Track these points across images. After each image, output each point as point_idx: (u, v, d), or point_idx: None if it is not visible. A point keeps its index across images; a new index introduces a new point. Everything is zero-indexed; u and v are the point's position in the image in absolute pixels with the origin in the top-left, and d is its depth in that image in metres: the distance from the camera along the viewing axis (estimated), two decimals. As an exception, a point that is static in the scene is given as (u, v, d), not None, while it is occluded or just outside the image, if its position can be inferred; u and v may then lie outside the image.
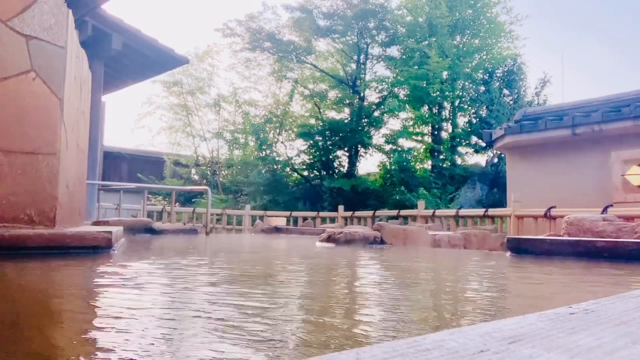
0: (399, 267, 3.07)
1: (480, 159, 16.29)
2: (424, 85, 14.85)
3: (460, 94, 16.24)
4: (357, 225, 8.91)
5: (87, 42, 6.78)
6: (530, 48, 44.34)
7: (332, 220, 10.27)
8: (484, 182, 14.21)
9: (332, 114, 17.38)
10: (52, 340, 0.97)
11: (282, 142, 17.01)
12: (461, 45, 16.32)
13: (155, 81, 16.41)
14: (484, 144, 14.66)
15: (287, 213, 11.19)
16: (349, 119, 16.50)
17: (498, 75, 16.05)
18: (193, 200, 15.17)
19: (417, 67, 14.82)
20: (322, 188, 15.71)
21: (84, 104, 4.70)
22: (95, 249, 2.93)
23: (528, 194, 7.76)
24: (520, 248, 3.65)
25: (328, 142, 16.33)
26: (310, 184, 16.51)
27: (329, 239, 5.21)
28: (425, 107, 16.28)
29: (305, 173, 16.89)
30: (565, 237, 3.83)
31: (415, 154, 16.38)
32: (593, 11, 45.86)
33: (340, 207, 10.53)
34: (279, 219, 9.80)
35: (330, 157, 16.41)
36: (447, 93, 15.64)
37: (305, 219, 10.93)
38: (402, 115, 16.59)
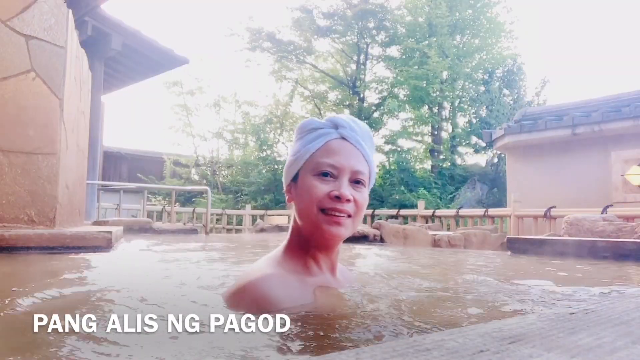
0: (398, 264, 3.07)
1: (480, 159, 16.31)
2: (424, 85, 14.85)
3: (460, 94, 16.24)
4: (357, 225, 8.90)
5: (87, 42, 6.78)
6: (530, 48, 44.41)
7: (332, 220, 10.26)
8: (484, 182, 14.21)
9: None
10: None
11: (282, 143, 17.02)
12: (461, 45, 16.32)
13: (155, 81, 16.43)
14: (484, 144, 14.67)
15: (289, 212, 11.19)
16: (349, 119, 16.47)
17: (498, 75, 16.05)
18: (193, 200, 15.17)
19: (417, 67, 14.82)
20: (322, 188, 15.67)
21: (84, 104, 4.70)
22: (95, 249, 2.93)
23: (528, 194, 7.76)
24: (520, 248, 3.65)
25: (328, 142, 16.32)
26: (311, 184, 16.49)
27: (329, 239, 5.21)
28: (425, 107, 16.28)
29: (306, 173, 16.87)
30: (565, 237, 3.83)
31: (415, 154, 16.38)
32: (593, 11, 45.87)
33: (340, 207, 10.52)
34: (280, 218, 9.80)
35: (330, 157, 16.38)
36: (447, 93, 15.64)
37: (305, 219, 10.91)
38: (402, 115, 16.59)
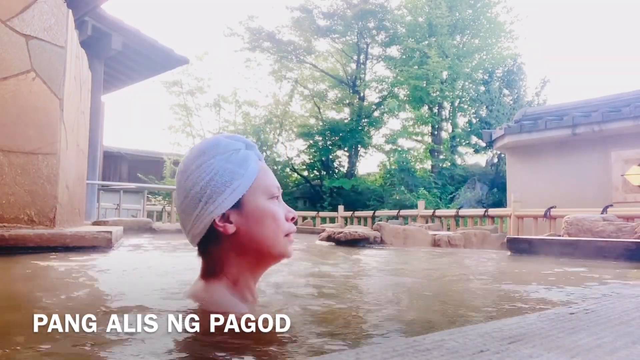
0: (398, 263, 3.07)
1: (480, 159, 16.31)
2: (424, 85, 14.85)
3: (460, 94, 16.24)
4: (357, 225, 8.91)
5: (87, 42, 6.78)
6: (530, 48, 44.41)
7: (332, 220, 10.27)
8: (484, 182, 14.21)
9: (332, 114, 17.38)
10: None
11: (282, 143, 17.02)
12: (461, 45, 16.32)
13: (155, 81, 16.40)
14: (484, 144, 14.66)
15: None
16: (349, 119, 16.50)
17: (498, 75, 16.05)
18: (193, 200, 15.14)
19: (417, 67, 14.82)
20: (322, 188, 15.71)
21: (84, 104, 4.70)
22: (95, 249, 2.93)
23: (528, 194, 7.76)
24: (520, 248, 3.65)
25: (328, 142, 16.34)
26: (310, 184, 16.51)
27: (329, 238, 5.21)
28: (425, 107, 16.28)
29: (305, 173, 16.89)
30: (565, 237, 3.83)
31: (415, 154, 16.38)
32: (594, 11, 45.89)
33: (340, 207, 10.53)
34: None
35: (330, 157, 16.41)
36: (447, 93, 15.64)
37: (305, 218, 10.92)
38: (402, 115, 16.61)
